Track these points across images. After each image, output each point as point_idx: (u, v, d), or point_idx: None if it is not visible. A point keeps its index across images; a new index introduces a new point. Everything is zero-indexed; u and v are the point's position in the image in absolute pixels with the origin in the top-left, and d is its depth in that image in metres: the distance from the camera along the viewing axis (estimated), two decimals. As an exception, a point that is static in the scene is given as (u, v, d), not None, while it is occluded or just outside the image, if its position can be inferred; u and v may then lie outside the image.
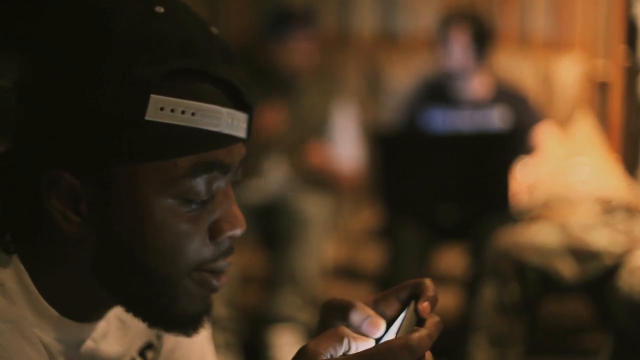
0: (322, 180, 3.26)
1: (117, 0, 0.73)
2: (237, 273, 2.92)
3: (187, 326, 0.79)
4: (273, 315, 2.90)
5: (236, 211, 0.78)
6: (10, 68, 0.75)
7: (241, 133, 0.76)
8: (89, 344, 0.82)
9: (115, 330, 0.85)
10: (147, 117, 0.71)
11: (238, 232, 0.77)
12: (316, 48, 3.41)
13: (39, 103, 0.73)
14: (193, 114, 0.72)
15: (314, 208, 3.00)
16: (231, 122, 0.74)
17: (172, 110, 0.71)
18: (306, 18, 3.40)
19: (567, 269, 2.18)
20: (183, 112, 0.72)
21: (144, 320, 0.78)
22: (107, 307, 0.82)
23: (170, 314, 0.77)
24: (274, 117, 3.19)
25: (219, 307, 2.84)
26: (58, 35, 0.73)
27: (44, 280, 0.78)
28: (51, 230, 0.75)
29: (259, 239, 3.10)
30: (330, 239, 3.10)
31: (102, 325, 0.83)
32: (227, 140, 0.74)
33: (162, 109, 0.71)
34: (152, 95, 0.71)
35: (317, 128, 3.36)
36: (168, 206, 0.73)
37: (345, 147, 3.40)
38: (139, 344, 0.89)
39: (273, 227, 3.03)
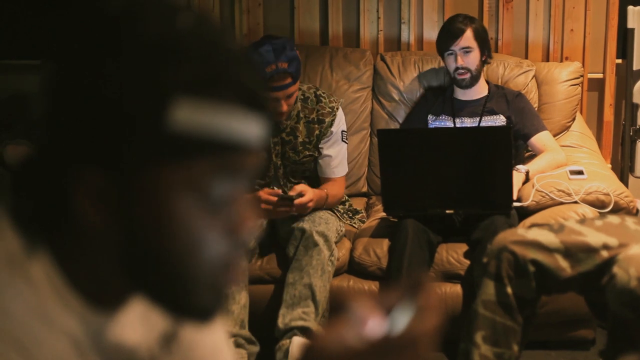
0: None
1: (141, 6, 0.74)
2: (248, 295, 2.89)
3: (203, 316, 0.80)
4: (287, 329, 2.82)
5: (251, 212, 0.78)
6: (37, 74, 0.75)
7: (260, 138, 0.77)
8: (111, 332, 0.82)
9: (136, 320, 0.86)
10: (170, 119, 0.71)
11: (252, 230, 0.78)
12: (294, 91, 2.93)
13: (63, 103, 0.74)
14: (214, 117, 0.72)
15: (323, 226, 2.93)
16: (250, 127, 0.75)
17: (194, 114, 0.72)
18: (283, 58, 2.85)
19: (565, 264, 2.18)
20: (205, 116, 0.72)
21: (162, 309, 0.79)
22: (129, 297, 0.83)
23: (188, 305, 0.78)
24: None
25: (232, 325, 2.80)
26: (81, 37, 0.74)
27: (69, 271, 0.78)
28: (77, 223, 0.76)
29: (271, 255, 3.05)
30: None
31: (123, 315, 0.84)
32: (246, 144, 0.75)
33: (184, 112, 0.71)
34: (175, 98, 0.71)
35: (310, 153, 3.10)
36: (189, 204, 0.74)
37: (339, 166, 3.16)
38: (158, 333, 0.89)
39: (284, 246, 2.97)
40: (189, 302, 0.77)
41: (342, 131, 3.12)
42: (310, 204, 2.90)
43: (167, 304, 0.78)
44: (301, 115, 3.06)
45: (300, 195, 2.87)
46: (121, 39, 0.72)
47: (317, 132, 3.06)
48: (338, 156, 3.11)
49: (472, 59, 3.25)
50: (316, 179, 3.18)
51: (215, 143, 0.73)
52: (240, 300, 2.85)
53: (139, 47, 0.71)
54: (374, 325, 0.70)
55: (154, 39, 0.72)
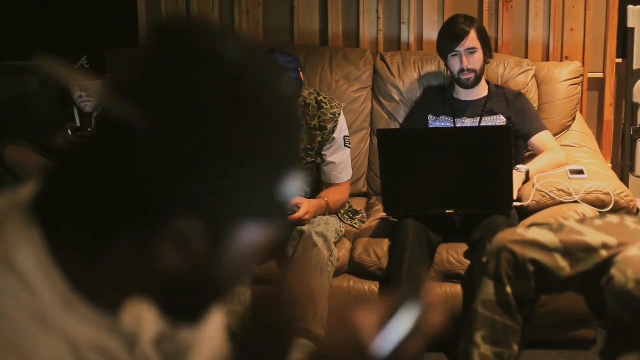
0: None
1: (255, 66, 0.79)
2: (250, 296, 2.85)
3: (200, 320, 0.84)
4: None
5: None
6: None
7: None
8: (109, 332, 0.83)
9: (133, 320, 0.86)
10: (258, 190, 0.78)
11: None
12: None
13: (170, 157, 0.75)
14: (282, 192, 0.81)
15: (322, 227, 2.92)
16: (294, 193, 0.84)
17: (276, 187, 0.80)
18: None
19: (565, 264, 2.18)
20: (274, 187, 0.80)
21: (169, 320, 0.84)
22: (129, 301, 0.84)
23: (194, 315, 0.84)
24: None
25: (235, 326, 2.80)
26: (186, 91, 0.75)
27: (81, 280, 0.79)
28: (124, 252, 0.78)
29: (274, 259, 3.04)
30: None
31: (121, 315, 0.84)
32: (289, 208, 0.86)
33: (274, 186, 0.80)
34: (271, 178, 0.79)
35: (312, 159, 3.08)
36: (247, 251, 0.82)
37: (343, 172, 3.15)
38: (152, 332, 0.90)
39: (285, 249, 2.94)
40: (197, 314, 0.83)
41: (345, 136, 3.11)
42: (307, 216, 2.90)
43: (177, 316, 0.84)
44: (302, 122, 3.03)
45: (296, 208, 2.87)
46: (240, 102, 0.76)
47: (319, 138, 3.05)
48: (342, 162, 3.11)
49: (477, 59, 3.23)
50: (318, 184, 3.17)
51: (283, 209, 0.82)
52: (245, 302, 2.85)
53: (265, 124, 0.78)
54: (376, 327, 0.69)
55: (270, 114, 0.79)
